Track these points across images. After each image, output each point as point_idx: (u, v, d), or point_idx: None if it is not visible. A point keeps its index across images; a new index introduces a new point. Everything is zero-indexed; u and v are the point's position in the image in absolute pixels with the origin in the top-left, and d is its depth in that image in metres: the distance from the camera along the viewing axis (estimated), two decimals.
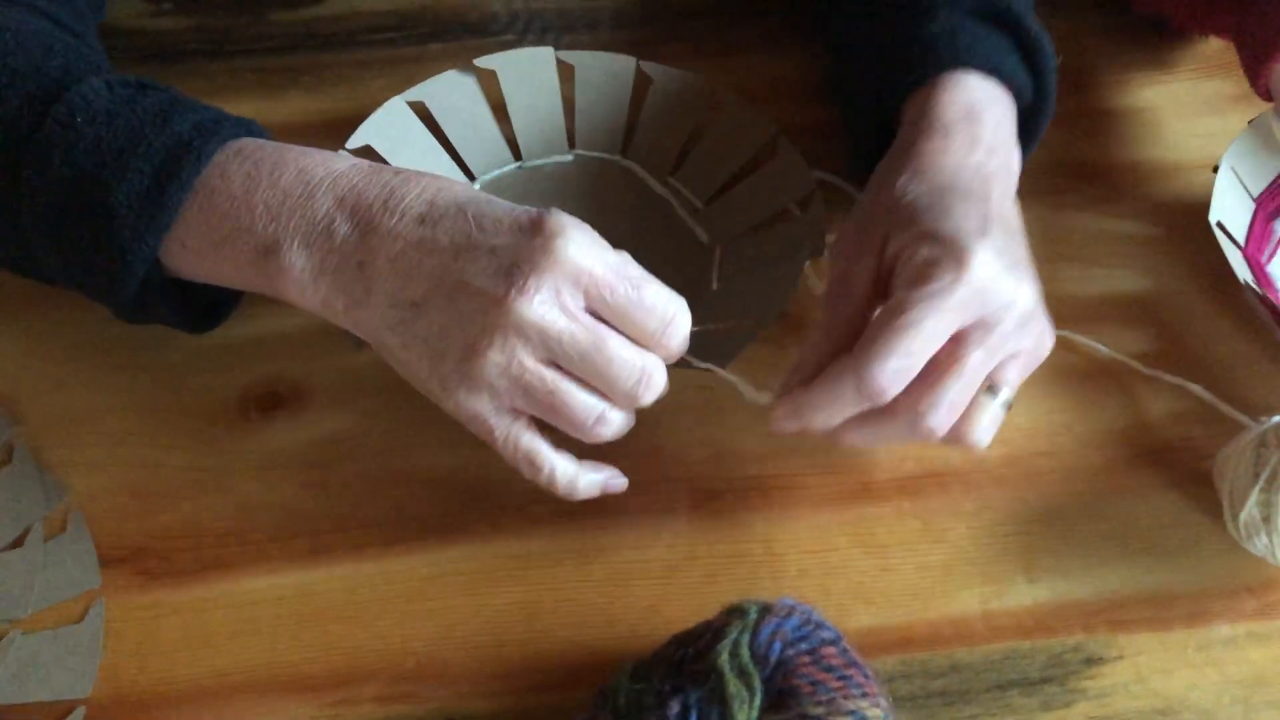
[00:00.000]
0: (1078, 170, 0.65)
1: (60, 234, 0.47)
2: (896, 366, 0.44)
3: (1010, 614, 0.50)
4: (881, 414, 0.46)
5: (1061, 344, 0.58)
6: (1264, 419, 0.50)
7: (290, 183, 0.47)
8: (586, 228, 0.45)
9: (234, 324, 0.57)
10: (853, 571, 0.52)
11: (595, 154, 0.65)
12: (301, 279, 0.47)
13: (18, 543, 0.52)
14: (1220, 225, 0.58)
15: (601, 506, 0.53)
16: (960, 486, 0.54)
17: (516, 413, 0.46)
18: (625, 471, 0.50)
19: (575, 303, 0.45)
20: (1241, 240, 0.60)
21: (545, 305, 0.44)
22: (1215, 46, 0.70)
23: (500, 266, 0.44)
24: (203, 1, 0.73)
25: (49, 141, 0.47)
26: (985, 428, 0.47)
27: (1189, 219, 0.61)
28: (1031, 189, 0.63)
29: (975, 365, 0.45)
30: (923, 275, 0.46)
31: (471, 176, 0.64)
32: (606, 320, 0.46)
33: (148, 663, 0.49)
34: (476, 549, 0.52)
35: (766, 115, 0.63)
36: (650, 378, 0.46)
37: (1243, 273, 0.57)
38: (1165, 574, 0.51)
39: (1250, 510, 0.49)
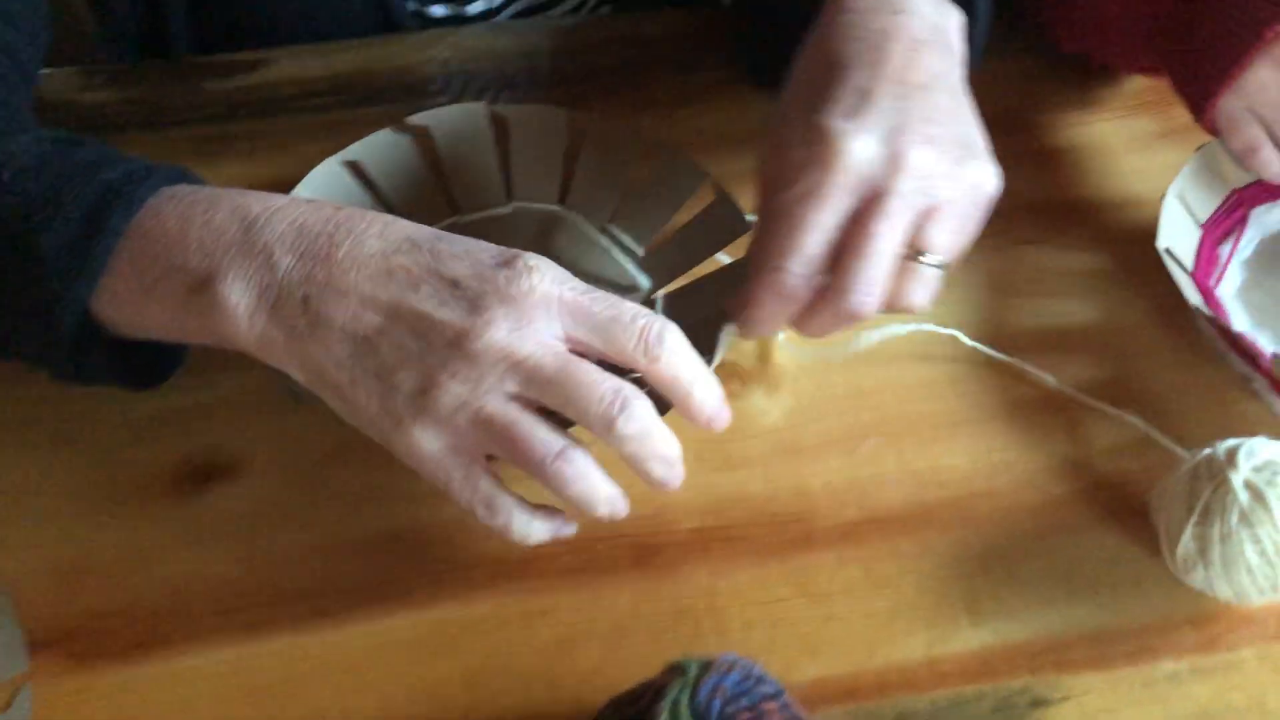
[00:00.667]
0: (1019, 210, 0.65)
1: None
2: (799, 270, 0.46)
3: (955, 658, 0.50)
4: (816, 304, 0.47)
5: (1008, 373, 0.59)
6: (1197, 451, 0.50)
7: (225, 219, 0.46)
8: (554, 264, 0.45)
9: (165, 394, 0.56)
10: (797, 622, 0.51)
11: (534, 205, 0.65)
12: (238, 313, 0.45)
13: None
14: (1169, 252, 0.59)
15: (543, 568, 0.53)
16: (901, 530, 0.54)
17: (473, 454, 0.45)
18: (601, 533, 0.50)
19: (547, 331, 0.44)
20: (1190, 266, 0.61)
21: (509, 333, 0.43)
22: (1140, 84, 0.71)
23: (465, 297, 0.43)
24: (136, 73, 0.73)
25: None
26: (918, 292, 0.48)
27: (1134, 251, 0.62)
28: (1009, 239, 0.64)
29: (880, 238, 0.46)
30: (794, 177, 0.47)
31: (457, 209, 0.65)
32: (588, 347, 0.45)
33: None
34: (416, 616, 0.51)
35: (699, 164, 0.63)
36: (625, 400, 0.43)
37: (1193, 297, 0.57)
38: (1108, 611, 0.51)
39: (1186, 544, 0.49)
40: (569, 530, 0.49)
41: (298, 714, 0.49)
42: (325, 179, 0.63)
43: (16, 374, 0.54)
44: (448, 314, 0.43)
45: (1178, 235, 0.60)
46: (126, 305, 0.47)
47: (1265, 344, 0.59)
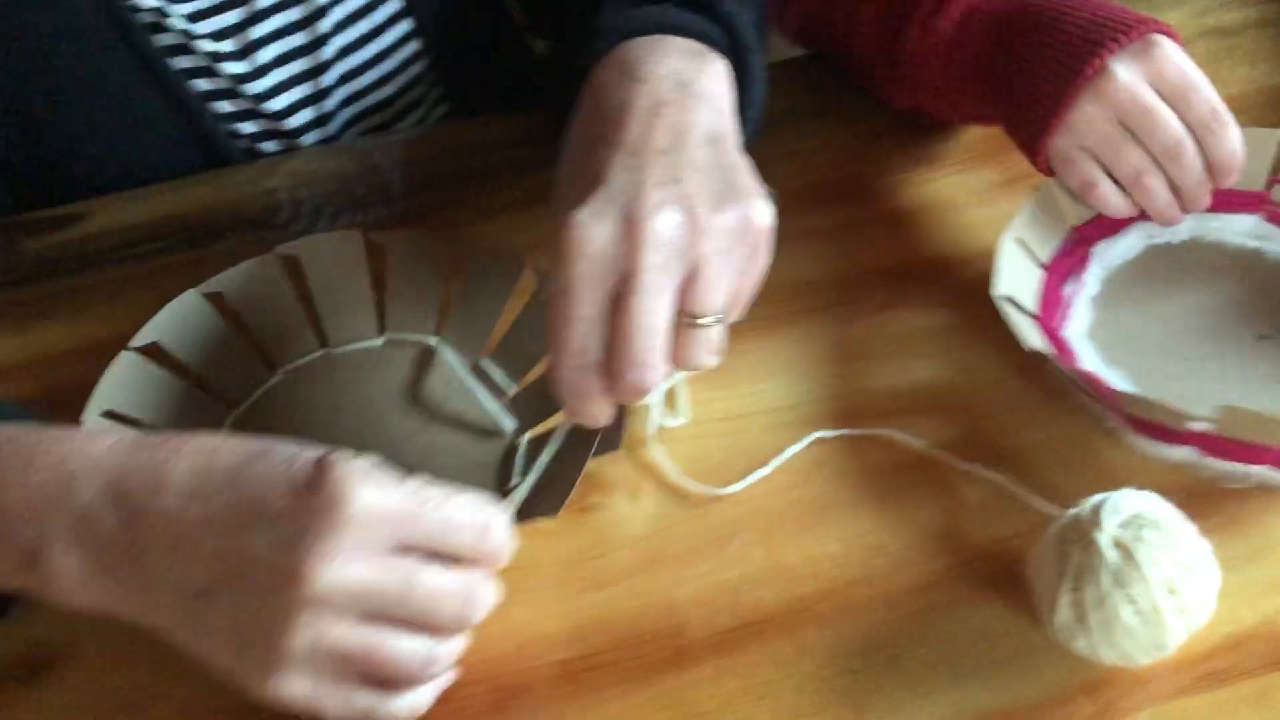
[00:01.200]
0: (868, 276, 0.64)
1: None
2: (573, 365, 0.46)
3: None
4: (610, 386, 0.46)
5: (874, 446, 0.56)
6: (1065, 509, 0.48)
7: (45, 479, 0.43)
8: (367, 468, 0.42)
9: None
10: None
11: (406, 336, 0.62)
12: (72, 582, 0.43)
13: None
14: (1009, 299, 0.58)
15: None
16: (777, 632, 0.51)
17: (342, 678, 0.42)
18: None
19: (377, 549, 0.41)
20: (1035, 309, 0.59)
21: (344, 565, 0.41)
22: (977, 134, 0.71)
23: (285, 537, 0.41)
24: None
25: None
26: (701, 354, 0.48)
27: (987, 304, 0.60)
28: (823, 302, 0.63)
29: (639, 316, 0.45)
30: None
31: (273, 366, 0.61)
32: (424, 546, 0.43)
33: None
34: None
35: None
36: (473, 596, 0.43)
37: (1033, 341, 0.56)
38: (998, 692, 0.48)
39: (1063, 612, 0.47)
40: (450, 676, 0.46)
41: None
42: (183, 311, 0.60)
43: None
44: (274, 557, 0.41)
45: (1019, 280, 0.59)
46: None
47: (1117, 381, 0.58)
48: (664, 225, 0.46)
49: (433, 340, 0.62)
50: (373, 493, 0.41)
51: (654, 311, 0.45)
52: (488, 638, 0.51)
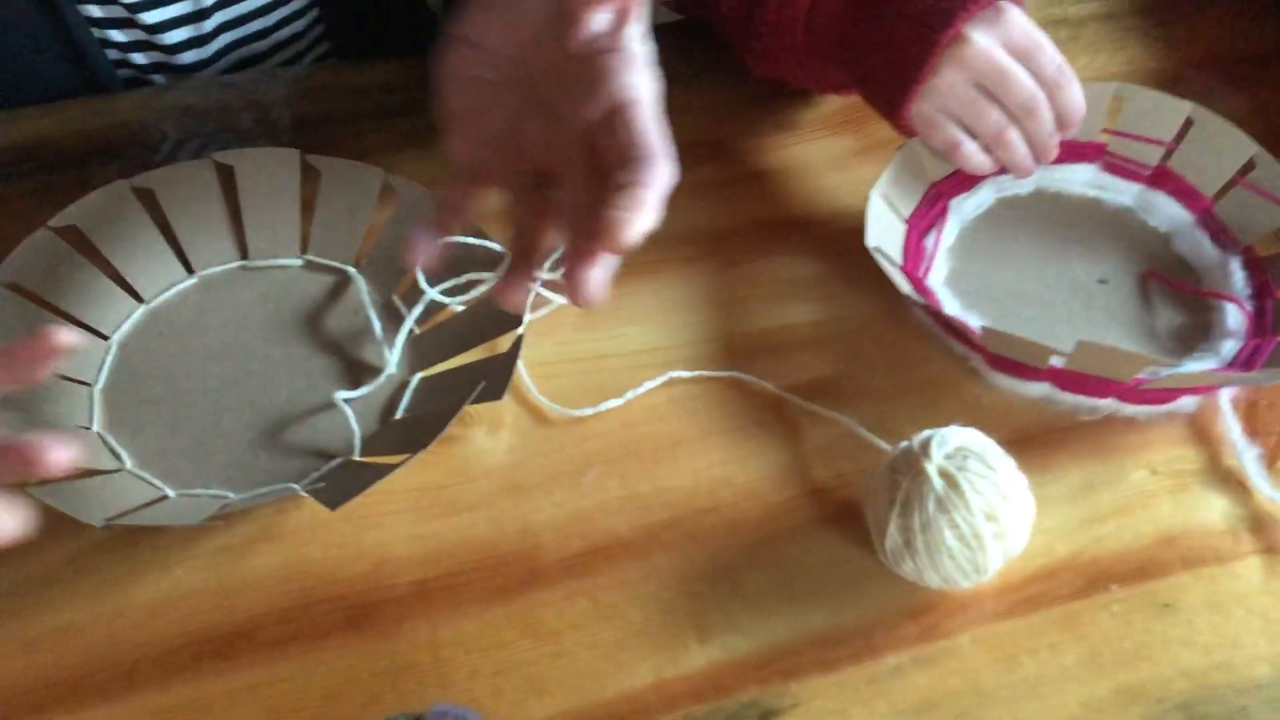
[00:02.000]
0: (733, 233, 0.66)
1: None
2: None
3: (684, 679, 0.49)
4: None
5: (730, 387, 0.59)
6: (896, 445, 0.52)
7: None
8: None
9: None
10: (524, 664, 0.50)
11: (326, 261, 0.63)
12: None
13: None
14: (878, 249, 0.61)
15: (253, 642, 0.50)
16: (627, 556, 0.53)
17: None
18: (269, 599, 0.47)
19: None
20: (899, 260, 0.62)
21: None
22: (835, 105, 0.74)
23: None
24: None
25: None
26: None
27: (848, 257, 0.63)
28: (691, 254, 0.65)
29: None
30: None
31: (190, 270, 0.62)
32: None
33: None
34: (111, 710, 0.47)
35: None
36: None
37: (904, 287, 0.59)
38: (831, 614, 0.51)
39: (893, 537, 0.50)
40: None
41: None
42: (107, 202, 0.60)
43: None
44: None
45: (885, 233, 0.62)
46: None
47: (975, 323, 0.61)
48: None
49: (351, 270, 0.62)
50: None
51: None
52: (342, 559, 0.52)
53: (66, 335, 0.41)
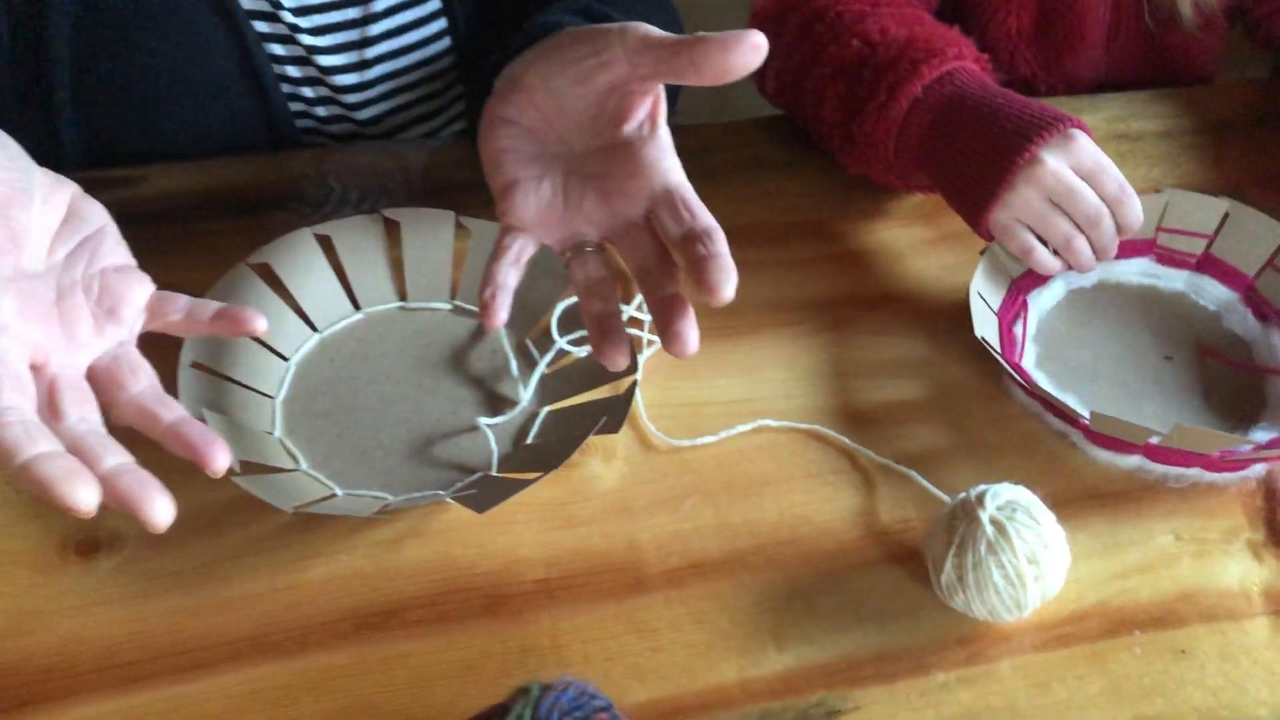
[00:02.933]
0: (822, 303, 0.76)
1: None
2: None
3: (763, 679, 0.58)
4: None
5: (810, 436, 0.68)
6: (955, 496, 0.61)
7: None
8: None
9: None
10: (628, 655, 0.59)
11: (471, 307, 0.74)
12: None
13: None
14: (984, 339, 0.70)
15: (403, 620, 0.59)
16: (717, 574, 0.62)
17: None
18: (417, 585, 0.58)
19: None
20: (999, 348, 0.71)
21: None
22: (916, 199, 0.84)
23: None
24: None
25: None
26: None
27: (931, 333, 0.73)
28: (784, 320, 0.74)
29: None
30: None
31: (358, 306, 0.73)
32: None
33: None
34: (285, 665, 0.57)
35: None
36: None
37: (1010, 371, 0.69)
38: (890, 635, 0.60)
39: (948, 573, 0.59)
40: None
41: None
42: (293, 245, 0.72)
43: None
44: None
45: (984, 324, 0.72)
46: None
47: (1070, 402, 0.70)
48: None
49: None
50: None
51: None
52: (479, 556, 0.62)
53: (263, 324, 0.53)
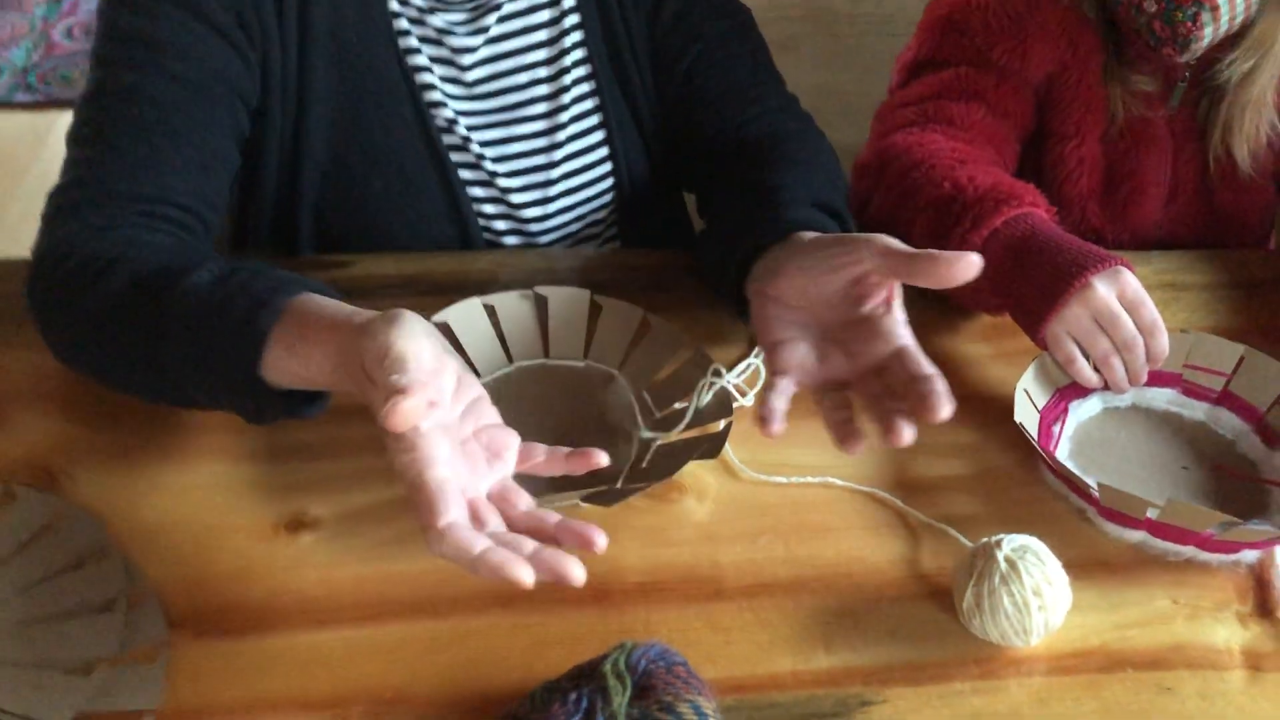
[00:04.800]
0: None
1: (194, 370, 0.72)
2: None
3: (812, 673, 0.72)
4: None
5: (868, 496, 0.83)
6: (978, 542, 0.74)
7: (352, 309, 0.70)
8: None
9: (269, 469, 0.81)
10: (704, 644, 0.74)
11: (601, 365, 0.92)
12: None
13: (106, 608, 0.73)
14: (1021, 424, 0.85)
15: (529, 597, 0.75)
16: (783, 593, 0.77)
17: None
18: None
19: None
20: (1036, 436, 0.86)
21: None
22: (984, 322, 0.99)
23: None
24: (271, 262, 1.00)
25: (182, 302, 0.72)
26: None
27: (982, 426, 0.88)
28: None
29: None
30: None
31: (511, 359, 0.91)
32: None
33: (200, 687, 0.69)
34: (435, 624, 0.74)
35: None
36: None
37: (1040, 449, 0.83)
38: (919, 650, 0.74)
39: (968, 600, 0.72)
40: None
41: (351, 681, 0.70)
42: (466, 310, 0.92)
43: (164, 445, 0.80)
44: None
45: (1025, 416, 0.86)
46: (286, 363, 0.70)
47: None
48: None
49: (615, 372, 0.91)
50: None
51: None
52: (593, 559, 0.78)
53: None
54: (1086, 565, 0.79)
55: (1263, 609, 0.77)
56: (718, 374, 0.87)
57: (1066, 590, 0.73)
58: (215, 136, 0.91)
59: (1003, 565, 0.71)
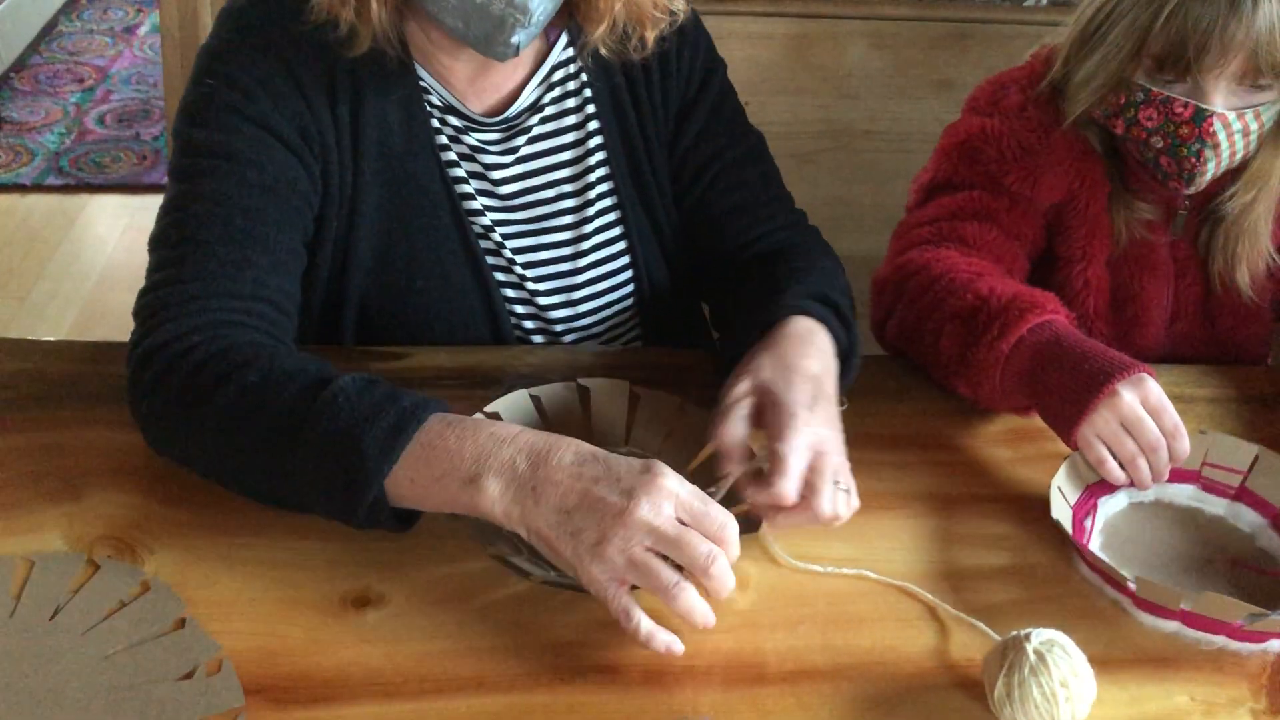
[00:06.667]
0: (926, 495, 0.97)
1: (322, 472, 0.78)
2: (791, 487, 0.84)
3: None
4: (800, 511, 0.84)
5: (901, 590, 0.88)
6: (1008, 635, 0.79)
7: (486, 439, 0.80)
8: (674, 473, 0.78)
9: (337, 547, 0.86)
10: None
11: (638, 450, 0.97)
12: (493, 497, 0.78)
13: (187, 676, 0.77)
14: (1058, 521, 0.90)
15: (586, 678, 0.80)
16: (822, 679, 0.81)
17: (621, 582, 0.76)
18: (602, 658, 0.79)
19: (669, 512, 0.76)
20: (1069, 530, 0.91)
21: (650, 512, 0.75)
22: (1009, 424, 1.05)
23: (623, 489, 0.76)
24: (321, 353, 1.06)
25: (322, 411, 0.79)
26: (842, 506, 0.85)
27: (1026, 525, 0.94)
28: (896, 504, 0.95)
29: (827, 474, 0.82)
30: (779, 433, 0.83)
31: None
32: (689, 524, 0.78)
33: None
34: (496, 698, 0.78)
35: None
36: (715, 558, 0.76)
37: (1076, 544, 0.89)
38: None
39: (999, 690, 0.77)
40: (677, 648, 0.77)
41: None
42: (515, 400, 0.98)
43: (233, 530, 0.86)
44: (614, 499, 0.76)
45: (1059, 513, 0.92)
46: (417, 488, 0.79)
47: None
48: (836, 439, 0.88)
49: (654, 460, 0.95)
50: (675, 483, 0.77)
51: (829, 477, 0.86)
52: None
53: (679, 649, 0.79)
54: (1117, 658, 0.83)
55: (1275, 708, 0.81)
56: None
57: (1092, 683, 0.77)
58: (291, 238, 0.98)
59: (1032, 657, 0.76)
